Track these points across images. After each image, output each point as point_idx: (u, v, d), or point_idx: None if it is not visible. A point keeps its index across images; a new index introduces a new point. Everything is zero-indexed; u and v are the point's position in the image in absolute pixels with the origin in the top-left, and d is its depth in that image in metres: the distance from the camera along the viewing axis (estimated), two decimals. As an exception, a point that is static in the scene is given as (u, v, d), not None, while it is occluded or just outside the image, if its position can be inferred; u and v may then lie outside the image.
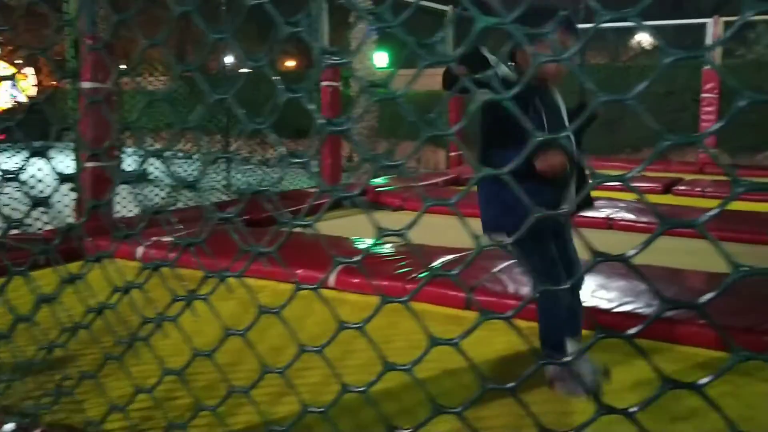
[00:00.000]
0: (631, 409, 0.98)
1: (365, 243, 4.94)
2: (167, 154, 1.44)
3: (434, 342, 1.09)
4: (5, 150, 6.35)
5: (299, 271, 4.16)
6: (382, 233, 1.12)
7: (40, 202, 1.55)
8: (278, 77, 1.27)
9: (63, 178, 1.59)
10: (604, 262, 0.97)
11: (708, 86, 11.05)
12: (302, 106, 1.18)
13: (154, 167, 7.96)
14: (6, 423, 1.99)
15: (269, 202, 1.23)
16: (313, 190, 7.76)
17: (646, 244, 0.94)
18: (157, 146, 7.92)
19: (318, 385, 2.64)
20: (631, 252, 0.95)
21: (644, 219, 6.14)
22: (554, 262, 2.12)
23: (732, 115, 0.88)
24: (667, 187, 8.59)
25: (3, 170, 1.57)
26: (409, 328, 3.29)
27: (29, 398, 2.34)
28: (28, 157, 1.57)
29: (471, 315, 3.73)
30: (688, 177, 9.53)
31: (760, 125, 12.35)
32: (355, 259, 1.14)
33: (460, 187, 8.51)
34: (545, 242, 2.10)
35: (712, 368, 2.72)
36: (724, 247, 0.93)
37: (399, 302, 1.13)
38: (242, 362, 2.69)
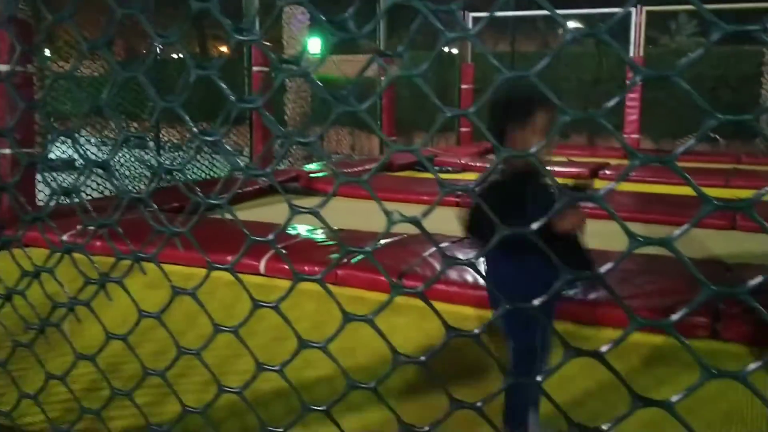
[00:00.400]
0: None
1: (298, 230, 4.91)
2: (80, 136, 1.39)
3: (348, 318, 1.10)
4: None
5: (228, 258, 4.11)
6: (295, 211, 1.11)
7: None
8: (189, 55, 1.25)
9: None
10: (510, 233, 0.99)
11: (632, 74, 11.39)
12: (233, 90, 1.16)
13: (82, 154, 7.69)
14: None
15: (185, 186, 1.21)
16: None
17: (548, 215, 0.96)
18: (85, 132, 7.67)
19: (248, 372, 2.62)
20: (534, 225, 0.97)
21: (571, 202, 6.29)
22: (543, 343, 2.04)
23: (628, 89, 0.91)
24: (594, 172, 8.83)
25: None
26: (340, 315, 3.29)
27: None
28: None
29: (405, 300, 3.76)
30: (614, 162, 9.82)
31: (681, 112, 12.85)
32: (270, 237, 1.14)
33: (394, 174, 8.54)
34: (549, 319, 1.88)
35: (635, 351, 2.83)
36: (622, 221, 0.97)
37: (313, 280, 1.13)
38: (168, 351, 2.64)
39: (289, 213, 1.11)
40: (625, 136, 11.89)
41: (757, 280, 0.88)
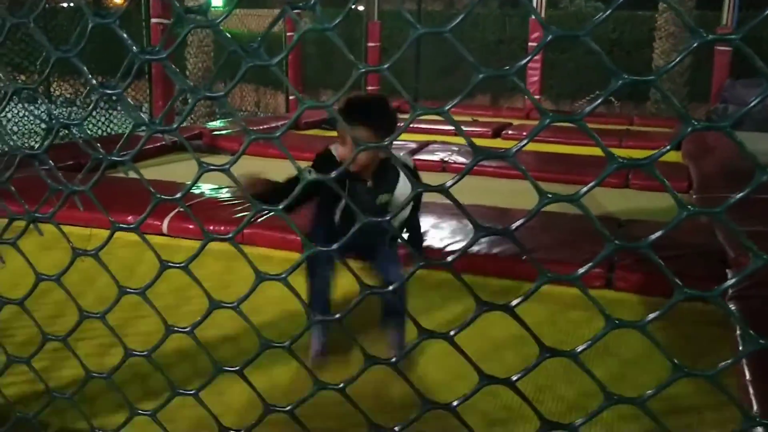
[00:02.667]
0: (451, 332, 1.03)
1: (202, 188, 4.79)
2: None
3: (261, 278, 1.08)
4: None
5: (129, 218, 3.97)
6: (203, 168, 1.08)
7: None
8: (85, 3, 1.17)
9: None
10: (426, 192, 1.00)
11: (534, 35, 11.63)
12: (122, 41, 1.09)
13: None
14: None
15: (85, 142, 1.14)
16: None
17: (463, 174, 0.97)
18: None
19: (150, 334, 2.56)
20: (449, 182, 0.98)
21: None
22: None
23: (537, 49, 0.92)
24: (497, 132, 9.03)
25: None
26: (248, 274, 3.25)
27: None
28: None
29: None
30: (516, 122, 10.06)
31: (579, 74, 13.28)
32: (177, 196, 1.10)
33: (301, 132, 8.44)
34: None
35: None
36: (533, 179, 0.99)
37: (224, 239, 1.11)
38: (65, 314, 2.54)
39: (198, 170, 1.07)
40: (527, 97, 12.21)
41: (656, 234, 0.92)
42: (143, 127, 1.12)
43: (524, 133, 8.84)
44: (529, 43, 11.79)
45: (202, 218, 3.97)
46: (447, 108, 0.98)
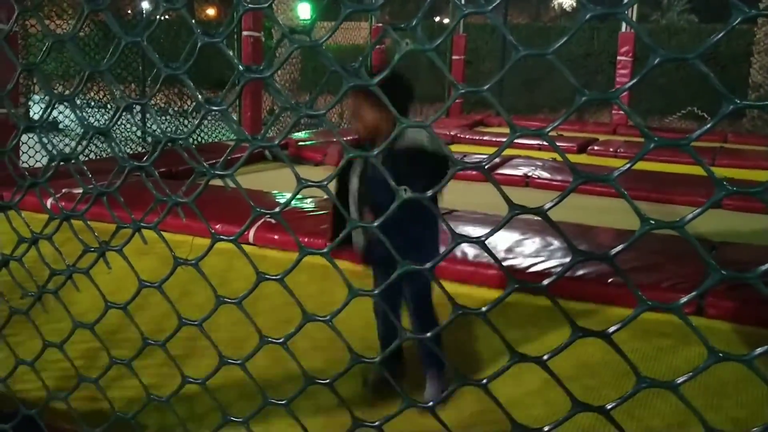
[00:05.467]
0: (545, 357, 1.01)
1: (286, 198, 4.89)
2: (76, 99, 1.36)
3: (354, 293, 1.10)
4: None
5: (217, 226, 4.09)
6: (302, 184, 1.10)
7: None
8: (195, 21, 1.23)
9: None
10: (522, 214, 0.99)
11: (623, 49, 11.35)
12: (225, 57, 1.13)
13: (64, 116, 7.59)
14: None
15: (186, 152, 1.19)
16: (231, 142, 7.61)
17: (562, 196, 0.96)
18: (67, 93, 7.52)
19: (238, 340, 2.63)
20: (548, 204, 0.97)
21: (560, 177, 6.32)
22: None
23: (646, 72, 0.90)
24: (582, 147, 8.85)
25: None
26: (324, 287, 3.30)
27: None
28: None
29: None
30: (602, 138, 9.84)
31: (669, 90, 12.86)
32: (276, 210, 1.12)
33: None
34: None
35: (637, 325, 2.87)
36: (634, 202, 0.96)
37: (319, 254, 1.13)
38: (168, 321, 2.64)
39: (297, 185, 1.10)
40: (614, 111, 11.90)
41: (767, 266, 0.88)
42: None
43: (611, 149, 8.62)
44: (618, 57, 11.51)
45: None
46: (547, 130, 0.97)
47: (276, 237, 4.05)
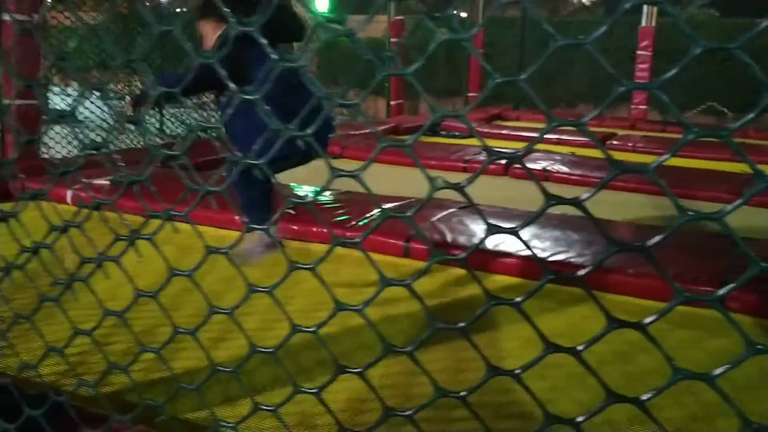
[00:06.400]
0: (579, 347, 1.01)
1: (304, 190, 4.90)
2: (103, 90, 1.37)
3: (386, 282, 1.10)
4: None
5: (237, 217, 4.11)
6: (335, 174, 1.10)
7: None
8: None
9: (-6, 112, 1.51)
10: (558, 204, 0.99)
11: (643, 44, 11.26)
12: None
13: (84, 107, 7.64)
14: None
15: (219, 141, 1.19)
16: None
17: (599, 187, 0.95)
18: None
19: (258, 330, 2.64)
20: (585, 195, 0.96)
21: (578, 171, 6.29)
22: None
23: (686, 61, 0.89)
24: (601, 142, 8.77)
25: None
26: (350, 274, 3.31)
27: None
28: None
29: (409, 263, 3.78)
30: (621, 132, 9.77)
31: (688, 85, 12.73)
32: (308, 199, 1.13)
33: (401, 136, 8.49)
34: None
35: (644, 315, 2.86)
36: (673, 195, 0.96)
37: (351, 244, 1.13)
38: (181, 307, 2.66)
39: (329, 175, 1.10)
40: (633, 106, 11.81)
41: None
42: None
43: (630, 144, 8.56)
44: (638, 52, 11.41)
45: (307, 220, 4.06)
46: (585, 120, 0.96)
47: (295, 228, 4.07)
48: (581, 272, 1.00)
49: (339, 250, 1.13)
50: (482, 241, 1.06)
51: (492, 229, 1.03)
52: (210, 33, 2.57)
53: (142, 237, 1.34)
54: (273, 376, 2.26)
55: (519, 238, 1.02)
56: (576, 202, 0.97)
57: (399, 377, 2.37)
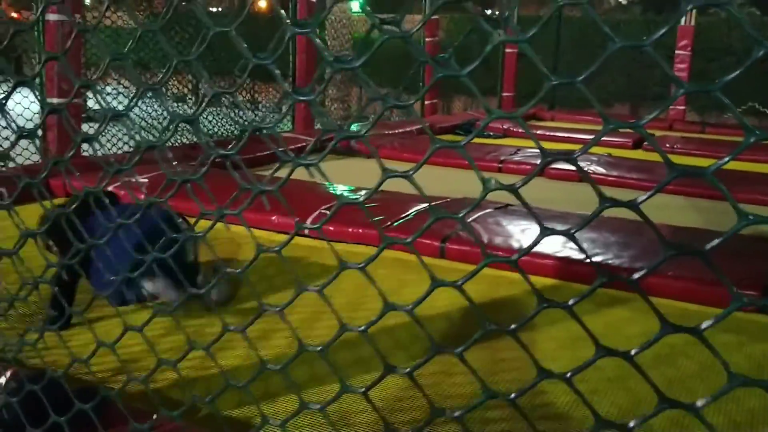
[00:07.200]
0: (633, 351, 1.00)
1: (338, 190, 4.92)
2: (153, 91, 1.40)
3: (437, 284, 1.10)
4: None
5: (273, 218, 4.15)
6: (387, 174, 1.11)
7: (27, 134, 1.50)
8: (282, 12, 1.24)
9: (50, 111, 1.55)
10: (612, 207, 0.98)
11: (682, 43, 11.09)
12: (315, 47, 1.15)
13: (123, 106, 7.74)
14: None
15: (273, 140, 1.21)
16: (288, 134, 7.69)
17: (656, 190, 0.95)
18: (124, 85, 7.70)
19: (303, 329, 2.67)
20: (641, 198, 0.96)
21: (615, 173, 6.22)
22: None
23: (751, 62, 0.88)
24: (638, 143, 8.68)
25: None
26: (385, 275, 3.32)
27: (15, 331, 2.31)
28: (13, 88, 1.52)
29: (444, 263, 3.78)
30: (658, 133, 9.64)
31: (728, 85, 12.47)
32: (360, 199, 1.14)
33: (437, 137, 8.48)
34: None
35: (686, 319, 2.82)
36: (732, 198, 0.95)
37: (404, 243, 1.13)
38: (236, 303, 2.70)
39: (381, 176, 1.11)
40: (670, 108, 11.63)
41: None
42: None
43: (667, 145, 8.43)
44: (676, 51, 11.24)
45: (344, 220, 4.07)
46: (643, 123, 0.96)
47: (331, 228, 4.08)
48: (636, 275, 0.99)
49: (359, 249, 1.14)
50: (536, 243, 1.06)
51: (546, 232, 1.03)
52: None
53: (195, 235, 1.37)
54: (310, 374, 2.28)
55: (574, 240, 1.02)
56: (632, 205, 0.97)
57: (434, 377, 2.37)
